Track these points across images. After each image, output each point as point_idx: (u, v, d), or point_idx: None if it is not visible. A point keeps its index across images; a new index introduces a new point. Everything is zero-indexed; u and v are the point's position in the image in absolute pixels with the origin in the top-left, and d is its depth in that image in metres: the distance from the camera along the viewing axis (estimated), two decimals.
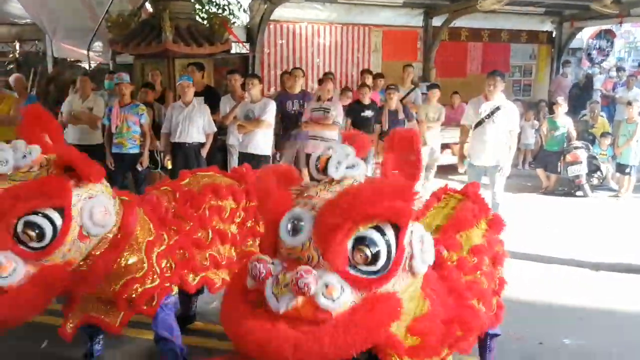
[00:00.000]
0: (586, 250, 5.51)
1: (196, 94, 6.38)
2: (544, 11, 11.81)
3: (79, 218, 2.36)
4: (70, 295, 2.72)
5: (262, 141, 6.21)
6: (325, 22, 10.24)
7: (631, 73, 12.67)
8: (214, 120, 6.41)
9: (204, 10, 10.59)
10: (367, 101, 7.26)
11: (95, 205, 2.41)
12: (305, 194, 1.88)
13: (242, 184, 3.39)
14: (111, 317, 2.79)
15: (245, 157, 5.93)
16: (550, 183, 8.43)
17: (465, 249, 2.56)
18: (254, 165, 3.81)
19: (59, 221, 2.26)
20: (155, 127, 6.71)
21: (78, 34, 9.61)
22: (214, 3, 11.43)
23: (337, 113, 6.50)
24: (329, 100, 6.60)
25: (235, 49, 9.51)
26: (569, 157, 8.04)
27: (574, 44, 13.14)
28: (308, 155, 6.71)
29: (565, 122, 8.29)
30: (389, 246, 1.76)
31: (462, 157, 6.12)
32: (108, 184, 2.64)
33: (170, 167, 6.46)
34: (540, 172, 8.54)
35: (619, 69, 12.83)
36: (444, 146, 8.49)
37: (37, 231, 2.20)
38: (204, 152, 6.32)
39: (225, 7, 11.73)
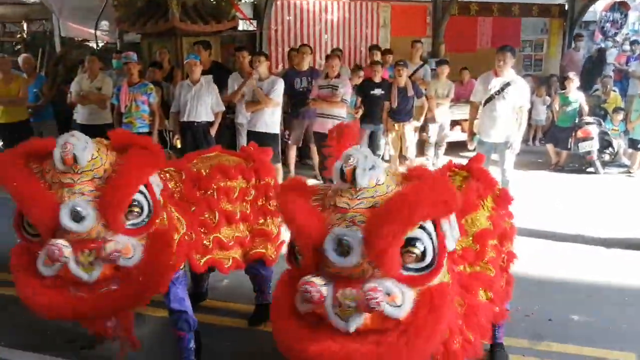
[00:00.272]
0: (597, 227, 5.48)
1: (204, 72, 6.36)
2: None
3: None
4: None
5: (270, 119, 6.20)
6: None
7: None
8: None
9: None
10: (378, 79, 7.21)
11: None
12: (333, 204, 1.89)
13: (249, 162, 3.38)
14: None
15: (253, 136, 5.92)
16: (561, 159, 8.36)
17: (470, 233, 2.54)
18: (262, 144, 3.79)
19: (147, 193, 2.48)
20: (164, 106, 6.72)
21: (84, 12, 9.60)
22: None
23: (345, 90, 6.46)
24: (337, 77, 6.55)
25: (243, 26, 9.45)
26: (580, 133, 7.96)
27: (587, 17, 12.91)
28: (316, 133, 6.70)
29: (577, 97, 8.18)
30: (432, 240, 1.84)
31: (471, 134, 6.08)
32: None
33: (179, 146, 6.48)
34: (550, 148, 8.47)
35: (633, 42, 12.57)
36: (454, 123, 8.42)
37: (139, 206, 2.43)
38: (213, 131, 6.31)
39: None
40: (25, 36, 11.83)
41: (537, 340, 3.46)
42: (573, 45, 11.99)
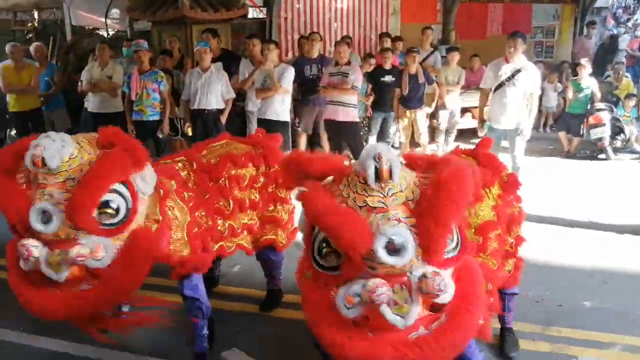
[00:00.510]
0: (609, 213, 5.46)
1: (213, 60, 6.37)
2: None
3: (135, 183, 2.50)
4: None
5: (280, 107, 6.20)
6: None
7: None
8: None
9: None
10: (388, 66, 7.20)
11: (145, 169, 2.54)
12: (368, 204, 1.91)
13: (258, 149, 3.37)
14: None
15: (263, 124, 5.93)
16: (572, 146, 8.32)
17: (473, 225, 2.53)
18: (272, 132, 3.78)
19: (127, 193, 2.41)
20: (174, 94, 6.74)
21: (95, 1, 9.60)
22: None
23: (356, 77, 6.44)
24: (348, 64, 6.54)
25: (252, 13, 9.42)
26: (591, 120, 7.90)
27: (599, 2, 12.73)
28: (327, 121, 6.71)
29: (589, 84, 8.11)
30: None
31: (482, 121, 6.07)
32: None
33: (190, 134, 6.51)
34: (562, 134, 8.42)
35: None
36: (464, 110, 8.39)
37: (112, 207, 2.36)
38: (223, 119, 6.33)
39: None
40: (36, 25, 11.87)
41: (547, 326, 3.47)
42: (585, 32, 11.83)
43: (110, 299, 2.50)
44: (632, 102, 8.30)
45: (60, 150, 2.37)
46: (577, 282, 4.08)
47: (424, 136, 7.35)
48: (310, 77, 7.00)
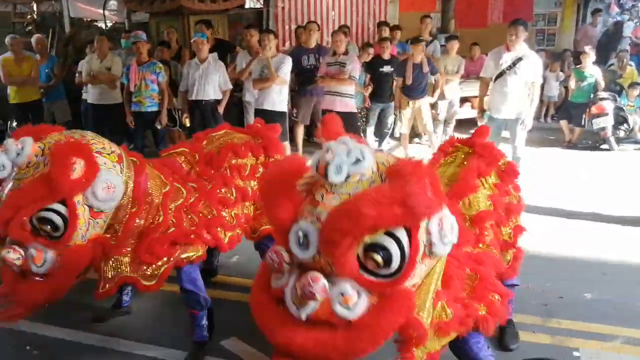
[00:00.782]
0: (611, 204, 5.41)
1: (209, 50, 6.34)
2: None
3: (85, 201, 2.43)
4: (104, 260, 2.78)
5: (278, 98, 6.16)
6: None
7: None
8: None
9: None
10: (387, 56, 7.13)
11: (96, 185, 2.42)
12: (312, 196, 1.81)
13: (257, 139, 3.37)
14: (148, 278, 2.83)
15: (261, 114, 5.88)
16: (574, 136, 8.25)
17: (469, 216, 2.46)
18: (269, 122, 3.77)
19: (65, 211, 2.38)
20: (172, 85, 6.74)
21: None
22: None
23: (353, 67, 6.38)
24: (345, 54, 6.48)
25: (249, 4, 9.36)
26: (594, 109, 7.83)
27: None
28: (324, 111, 6.65)
29: (593, 72, 8.02)
30: (401, 249, 1.69)
31: (482, 111, 6.01)
32: (114, 150, 2.61)
33: (188, 124, 6.51)
34: (564, 124, 8.35)
35: None
36: (463, 100, 8.31)
37: (49, 225, 2.36)
38: (221, 109, 6.32)
39: None
40: (35, 17, 11.84)
41: (547, 317, 3.44)
42: (590, 20, 11.69)
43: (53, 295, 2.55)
44: (636, 91, 8.20)
45: (18, 157, 2.39)
46: (577, 273, 4.04)
47: (429, 125, 7.28)
48: (308, 67, 6.95)
